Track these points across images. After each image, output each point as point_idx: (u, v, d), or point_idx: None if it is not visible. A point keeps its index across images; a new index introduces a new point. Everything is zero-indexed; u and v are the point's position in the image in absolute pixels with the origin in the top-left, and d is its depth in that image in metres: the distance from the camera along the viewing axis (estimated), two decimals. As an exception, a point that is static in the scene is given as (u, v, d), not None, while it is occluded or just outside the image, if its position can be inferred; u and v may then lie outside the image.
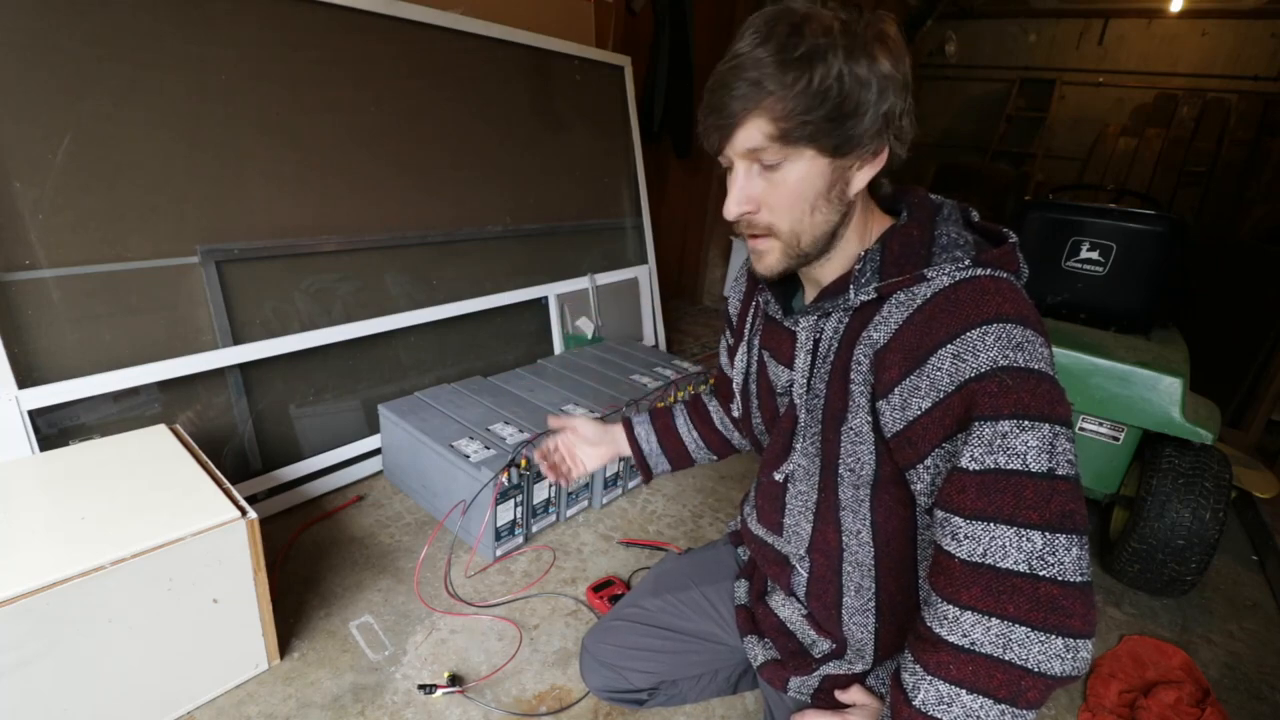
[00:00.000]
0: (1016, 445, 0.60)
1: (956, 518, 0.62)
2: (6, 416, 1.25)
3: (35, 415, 1.30)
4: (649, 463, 1.16)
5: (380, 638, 1.33)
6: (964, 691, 0.60)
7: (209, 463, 1.22)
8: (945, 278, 0.68)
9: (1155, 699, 1.36)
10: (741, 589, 1.08)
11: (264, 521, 1.31)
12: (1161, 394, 1.66)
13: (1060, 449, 0.60)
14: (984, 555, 0.60)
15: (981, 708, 0.60)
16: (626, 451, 1.16)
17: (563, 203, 2.48)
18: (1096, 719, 1.33)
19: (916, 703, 0.63)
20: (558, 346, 2.46)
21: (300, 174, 1.70)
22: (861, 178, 0.71)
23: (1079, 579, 0.58)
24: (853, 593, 0.85)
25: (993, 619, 0.59)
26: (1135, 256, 1.98)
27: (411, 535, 1.67)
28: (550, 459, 1.14)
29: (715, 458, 1.18)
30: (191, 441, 1.29)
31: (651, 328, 2.92)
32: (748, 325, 0.94)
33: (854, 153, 0.68)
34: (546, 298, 2.41)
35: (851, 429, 0.75)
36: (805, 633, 0.94)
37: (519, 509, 1.60)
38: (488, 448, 1.60)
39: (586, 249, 2.60)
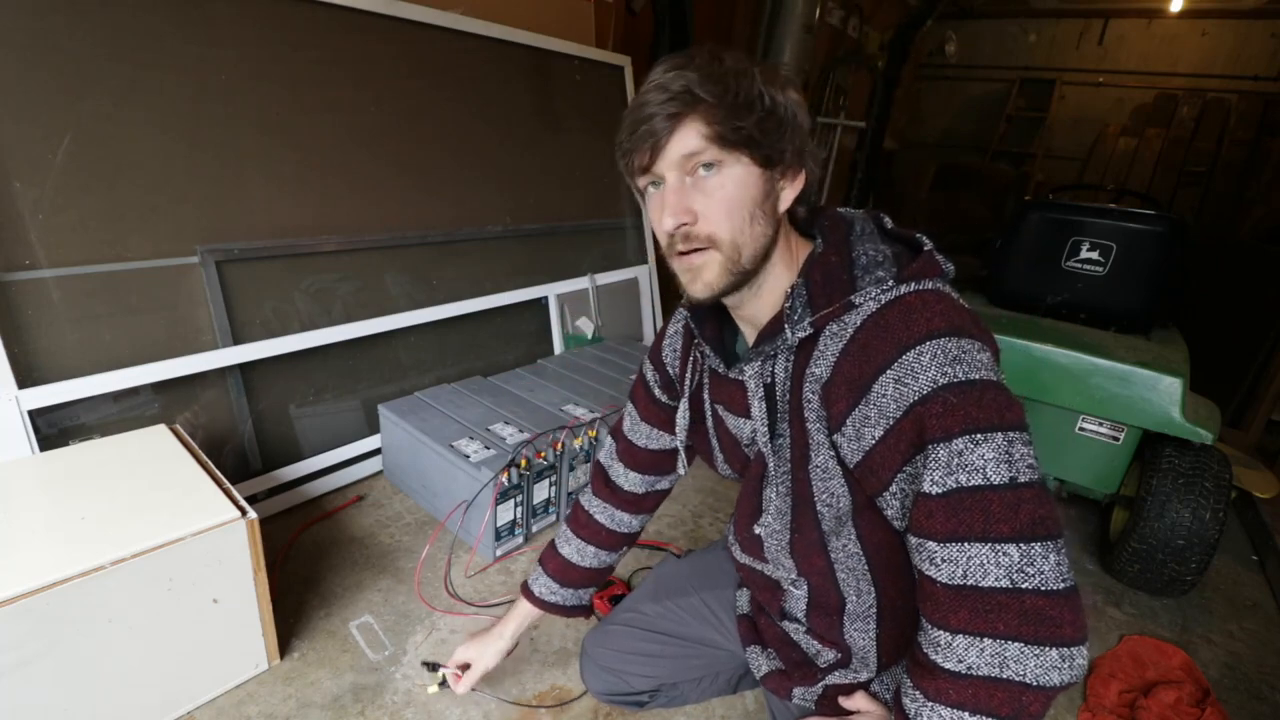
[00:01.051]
0: (974, 460, 0.59)
1: (930, 543, 0.62)
2: (6, 416, 1.25)
3: (35, 415, 1.30)
4: (574, 604, 1.12)
5: (380, 638, 1.33)
6: (967, 714, 0.60)
7: (209, 463, 1.22)
8: (872, 302, 0.68)
9: (1155, 699, 1.36)
10: (743, 598, 1.08)
11: (264, 521, 1.31)
12: (1161, 394, 1.66)
13: (1018, 455, 0.60)
14: (964, 577, 0.59)
15: None
16: (537, 619, 1.12)
17: (563, 203, 2.48)
18: (1096, 719, 1.33)
19: None
20: (558, 346, 2.46)
21: (300, 174, 1.70)
22: (787, 196, 0.72)
23: (1062, 585, 0.58)
24: (854, 598, 0.84)
25: (985, 639, 0.59)
26: (1135, 256, 1.98)
27: (411, 535, 1.67)
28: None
29: (624, 550, 1.14)
30: (191, 441, 1.29)
31: (651, 328, 2.92)
32: (688, 381, 0.92)
33: (779, 166, 0.70)
34: (546, 298, 2.41)
35: (818, 466, 0.74)
36: (809, 644, 0.94)
37: (519, 509, 1.60)
38: (488, 448, 1.60)
39: (586, 249, 2.60)
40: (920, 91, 6.11)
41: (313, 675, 1.23)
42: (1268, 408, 2.78)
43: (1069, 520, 2.08)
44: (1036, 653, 0.57)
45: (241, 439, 1.64)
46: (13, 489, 1.11)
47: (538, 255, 2.40)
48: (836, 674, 0.89)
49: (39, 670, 0.93)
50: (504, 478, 1.51)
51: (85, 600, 0.94)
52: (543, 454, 1.62)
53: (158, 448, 1.25)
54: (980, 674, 0.59)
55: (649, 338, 2.91)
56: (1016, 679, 0.58)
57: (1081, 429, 1.81)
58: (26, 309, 1.30)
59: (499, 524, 1.56)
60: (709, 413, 0.90)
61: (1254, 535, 2.12)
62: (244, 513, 1.10)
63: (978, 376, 0.61)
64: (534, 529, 1.70)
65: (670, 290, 3.48)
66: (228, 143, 1.55)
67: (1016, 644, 0.58)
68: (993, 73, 5.79)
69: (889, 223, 0.77)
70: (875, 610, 0.84)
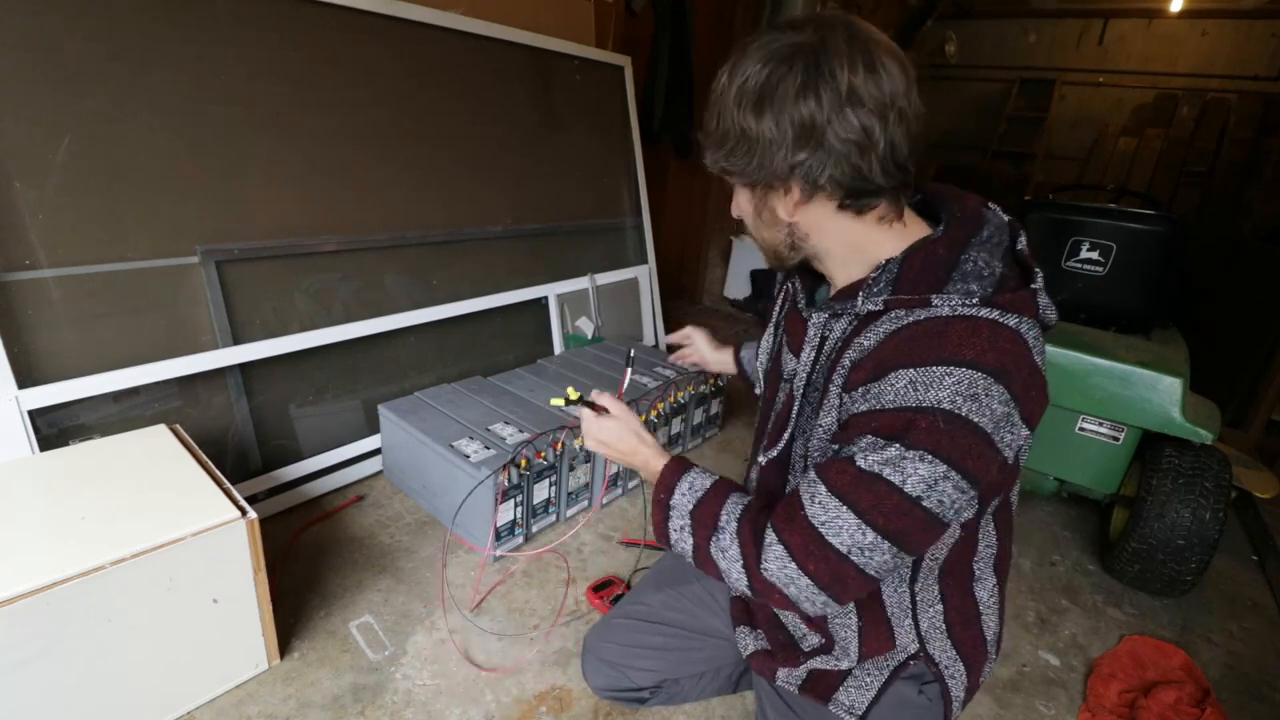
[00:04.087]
0: (909, 468, 0.64)
1: (822, 486, 0.69)
2: (6, 416, 1.25)
3: (35, 415, 1.30)
4: (752, 380, 1.20)
5: (380, 638, 1.34)
6: (722, 551, 0.76)
7: (209, 463, 1.22)
8: (947, 309, 0.68)
9: (1155, 699, 1.36)
10: None
11: (264, 521, 1.31)
12: (1161, 394, 1.66)
13: (939, 490, 0.64)
14: (824, 524, 0.68)
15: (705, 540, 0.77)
16: (732, 369, 1.35)
17: (563, 203, 2.48)
18: (1097, 718, 1.33)
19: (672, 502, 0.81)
20: (558, 346, 2.46)
21: (300, 174, 1.70)
22: (784, 205, 0.74)
23: (872, 574, 0.68)
24: None
25: (792, 564, 0.69)
26: (1135, 256, 1.98)
27: (411, 535, 1.67)
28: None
29: None
30: (191, 441, 1.29)
31: (651, 328, 2.92)
32: (778, 305, 0.98)
33: (759, 187, 0.76)
34: (546, 298, 2.41)
35: (821, 426, 0.77)
36: (796, 625, 0.96)
37: (519, 509, 1.60)
38: (488, 448, 1.60)
39: (586, 249, 2.60)
40: (920, 92, 6.10)
41: (313, 675, 1.23)
42: (1268, 408, 2.78)
43: (1069, 520, 2.08)
44: (815, 593, 0.69)
45: (242, 439, 1.64)
46: (13, 489, 1.11)
47: (538, 255, 2.40)
48: (819, 659, 0.92)
49: (39, 670, 0.93)
50: (504, 477, 1.51)
51: (85, 600, 0.94)
52: (543, 454, 1.62)
53: (158, 448, 1.25)
54: (765, 569, 0.71)
55: (649, 338, 2.91)
56: (783, 590, 0.71)
57: (1081, 429, 1.81)
58: (26, 309, 1.30)
59: (499, 524, 1.56)
60: (778, 339, 0.96)
61: (1254, 535, 2.12)
62: (244, 513, 1.10)
63: (976, 421, 0.63)
64: (534, 529, 1.70)
65: (671, 291, 3.48)
66: (228, 143, 1.55)
67: (809, 580, 0.69)
68: (993, 73, 5.78)
69: (1023, 243, 0.76)
70: (855, 604, 0.86)
